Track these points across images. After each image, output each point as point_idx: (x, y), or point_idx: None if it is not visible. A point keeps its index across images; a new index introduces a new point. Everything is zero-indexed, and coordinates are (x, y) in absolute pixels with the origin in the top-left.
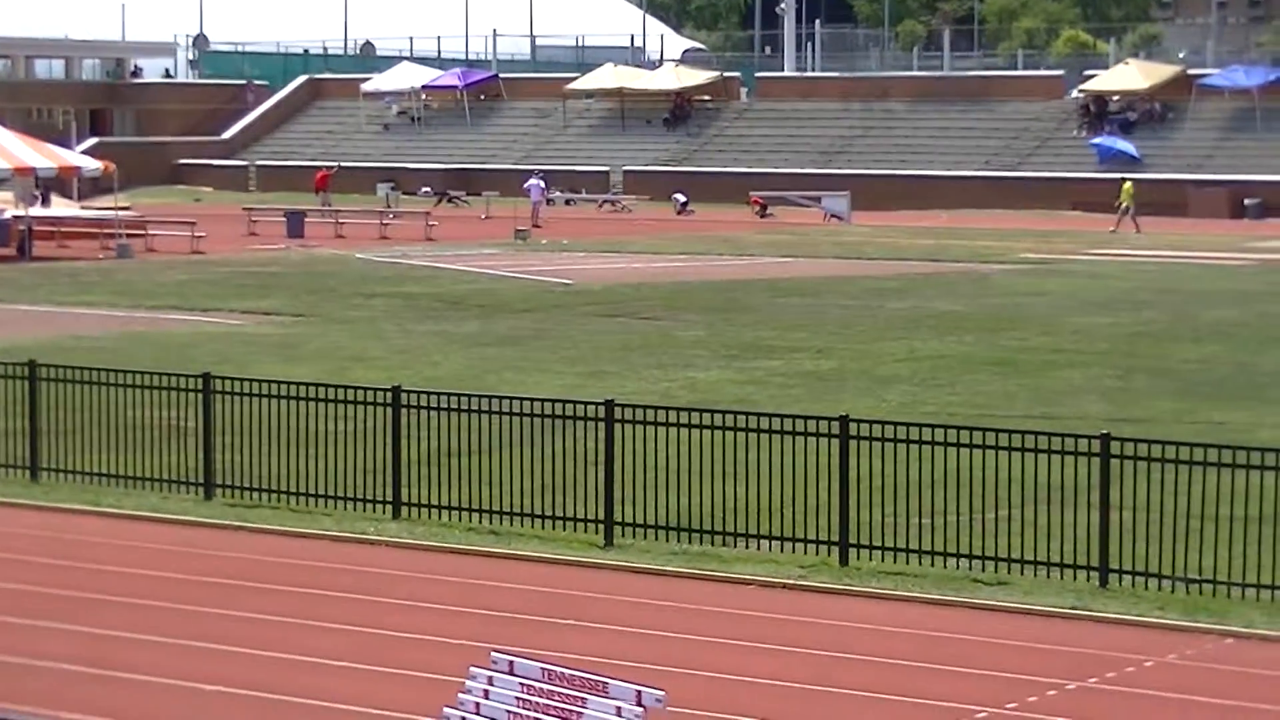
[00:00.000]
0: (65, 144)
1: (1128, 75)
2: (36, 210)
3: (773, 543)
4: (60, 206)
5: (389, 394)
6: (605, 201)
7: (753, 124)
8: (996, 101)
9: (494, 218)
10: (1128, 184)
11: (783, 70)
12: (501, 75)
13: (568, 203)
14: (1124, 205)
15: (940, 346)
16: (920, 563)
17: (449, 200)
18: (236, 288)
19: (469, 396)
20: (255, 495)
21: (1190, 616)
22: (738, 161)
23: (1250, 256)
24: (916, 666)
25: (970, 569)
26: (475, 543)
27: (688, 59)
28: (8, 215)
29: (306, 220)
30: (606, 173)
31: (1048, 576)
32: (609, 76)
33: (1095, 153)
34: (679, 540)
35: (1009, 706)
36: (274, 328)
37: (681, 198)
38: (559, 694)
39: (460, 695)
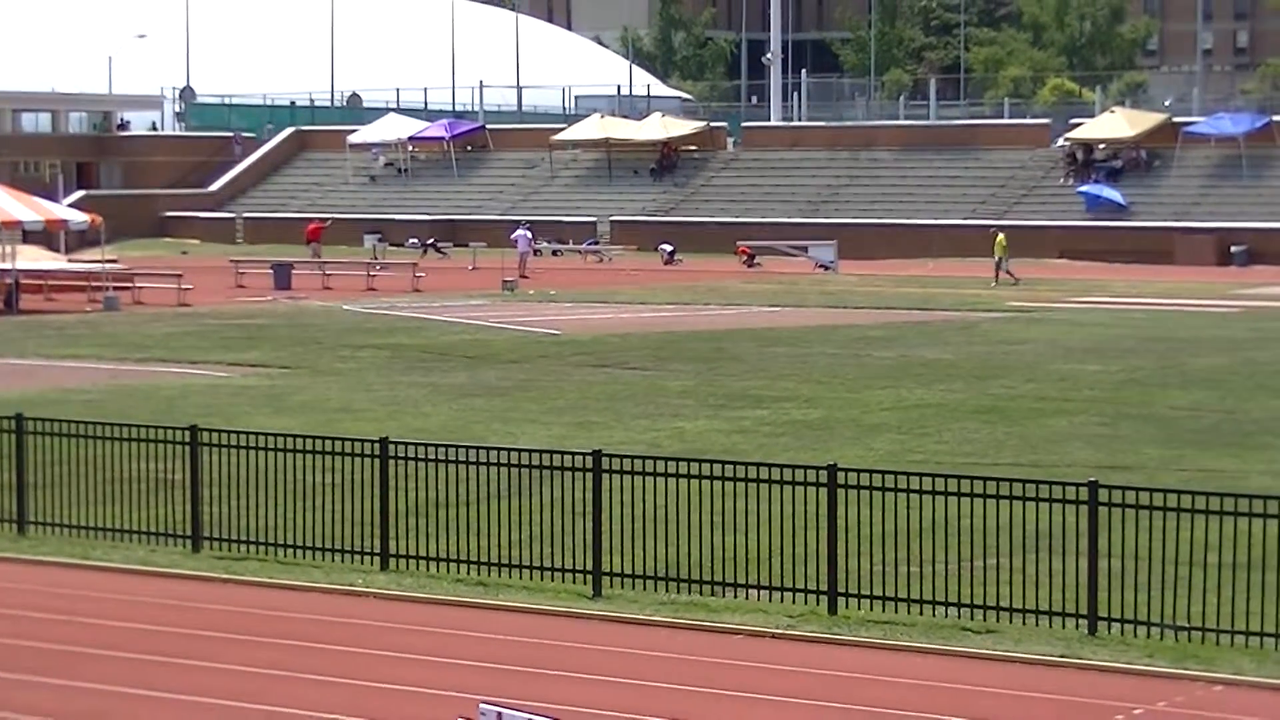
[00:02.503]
0: (52, 197)
1: (1114, 123)
2: None
3: (761, 592)
4: (46, 260)
5: (376, 445)
6: (588, 252)
7: (739, 173)
8: (983, 150)
9: (481, 268)
10: (1000, 236)
11: (769, 120)
12: (488, 126)
13: (555, 253)
14: (998, 257)
15: (927, 395)
16: (909, 611)
17: (436, 250)
18: (224, 340)
19: (457, 448)
20: (243, 548)
21: (1179, 664)
22: (725, 211)
23: (1237, 304)
24: (906, 715)
25: (959, 617)
26: (463, 594)
27: (674, 109)
28: None
29: (294, 272)
30: (594, 223)
31: (1036, 624)
32: (595, 127)
33: (1082, 200)
34: (667, 590)
35: None
36: (261, 380)
37: (669, 248)
38: None
39: None
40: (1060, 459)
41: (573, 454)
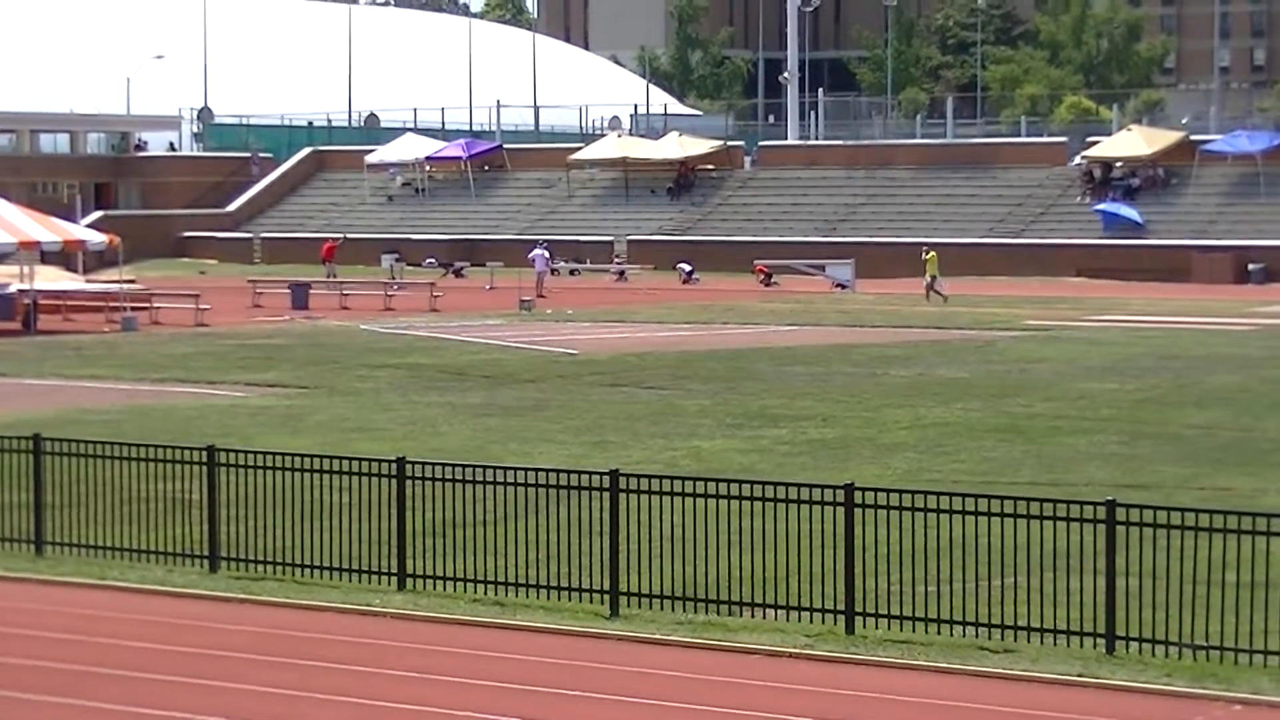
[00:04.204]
0: (70, 217)
1: (1131, 141)
2: None
3: (779, 612)
4: (65, 280)
5: (394, 465)
6: (617, 273)
7: (757, 192)
8: (1000, 168)
9: (498, 288)
10: (932, 254)
11: (786, 139)
12: (505, 145)
13: (572, 273)
14: (930, 274)
15: (945, 413)
16: (926, 631)
17: (456, 274)
18: (241, 360)
19: (474, 467)
20: (260, 568)
21: (1198, 683)
22: (742, 230)
23: (1254, 321)
24: None
25: (976, 636)
26: (480, 614)
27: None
28: (12, 289)
29: (311, 292)
30: (611, 242)
31: (1054, 644)
32: (612, 146)
33: (1099, 219)
34: (685, 610)
35: None
36: (278, 400)
37: (687, 267)
38: None
39: None
40: (1078, 478)
41: (590, 474)
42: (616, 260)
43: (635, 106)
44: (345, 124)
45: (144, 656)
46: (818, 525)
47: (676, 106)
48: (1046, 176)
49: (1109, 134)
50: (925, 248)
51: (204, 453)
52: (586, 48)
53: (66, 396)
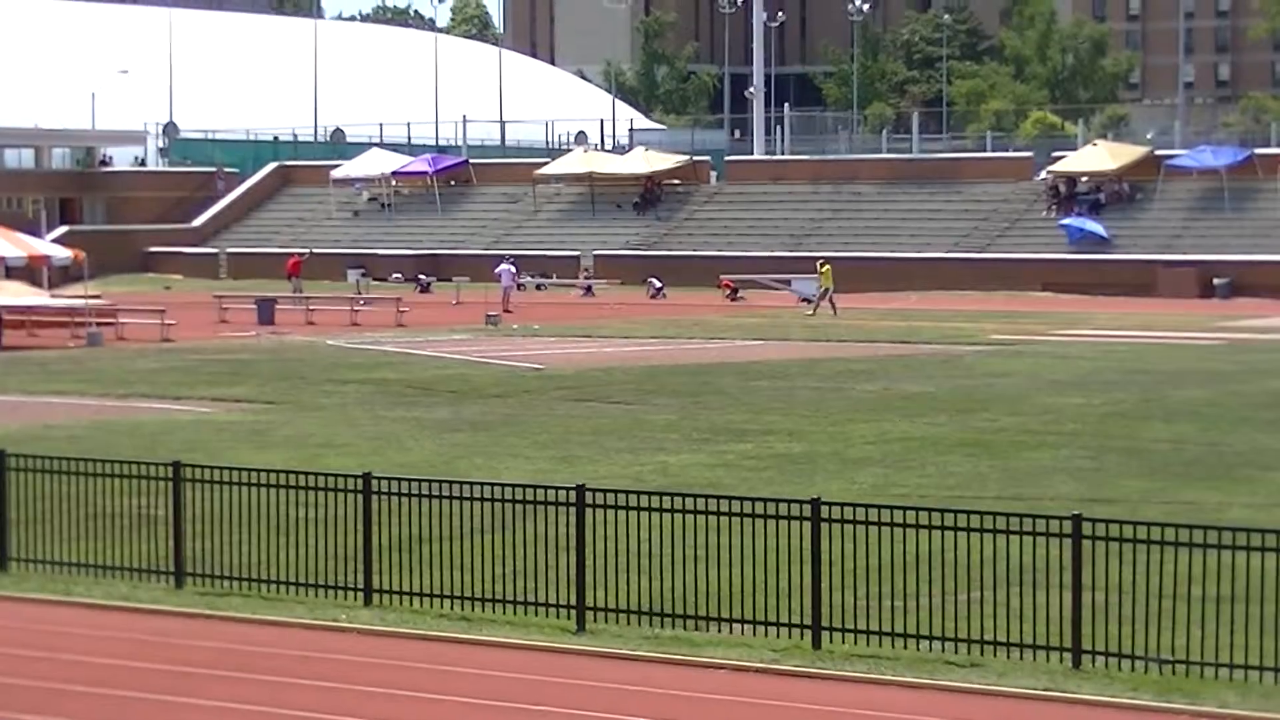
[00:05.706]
0: (35, 233)
1: (1096, 156)
2: None
3: (745, 626)
4: (29, 295)
5: (360, 481)
6: (584, 288)
7: (723, 207)
8: (965, 183)
9: (465, 303)
10: (826, 267)
11: (752, 154)
12: (471, 160)
13: (539, 288)
14: (824, 287)
15: (911, 428)
16: (893, 645)
17: (422, 288)
18: (207, 375)
19: (440, 482)
20: (226, 584)
21: (1164, 697)
22: (708, 245)
23: (1220, 336)
24: None
25: (943, 651)
26: (447, 629)
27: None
28: None
29: (277, 307)
30: (577, 257)
31: (1020, 658)
32: (578, 161)
33: (1064, 234)
34: (651, 625)
35: None
36: (245, 415)
37: (657, 283)
38: None
39: None
40: (1043, 492)
41: (556, 489)
42: (583, 275)
43: (601, 121)
44: (311, 139)
45: (109, 673)
46: (784, 540)
47: (642, 121)
48: (1012, 191)
49: (1074, 149)
50: (820, 260)
51: (169, 468)
52: (552, 63)
53: (31, 412)
